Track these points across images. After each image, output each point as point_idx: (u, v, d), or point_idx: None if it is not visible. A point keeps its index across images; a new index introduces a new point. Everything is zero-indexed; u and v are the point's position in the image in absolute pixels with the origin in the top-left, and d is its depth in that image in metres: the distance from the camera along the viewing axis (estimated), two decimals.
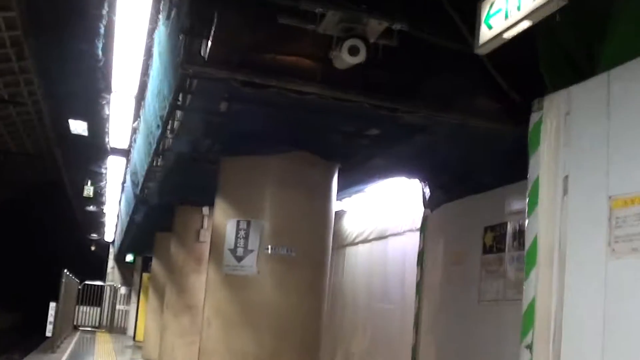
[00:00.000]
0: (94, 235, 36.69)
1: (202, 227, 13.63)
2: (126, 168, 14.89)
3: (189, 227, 13.97)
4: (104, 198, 21.25)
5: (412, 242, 10.09)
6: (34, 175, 31.34)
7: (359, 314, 11.95)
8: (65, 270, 20.31)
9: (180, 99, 6.56)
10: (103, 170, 16.83)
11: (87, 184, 20.22)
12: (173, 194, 12.53)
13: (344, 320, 12.28)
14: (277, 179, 7.67)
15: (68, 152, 17.05)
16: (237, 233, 7.53)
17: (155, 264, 20.87)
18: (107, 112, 11.21)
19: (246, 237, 7.48)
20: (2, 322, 46.70)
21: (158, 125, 7.81)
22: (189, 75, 5.68)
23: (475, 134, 6.67)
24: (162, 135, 8.01)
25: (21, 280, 50.36)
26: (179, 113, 7.15)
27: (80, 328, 32.37)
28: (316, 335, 7.82)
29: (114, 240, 32.51)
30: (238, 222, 7.56)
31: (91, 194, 20.61)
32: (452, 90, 5.92)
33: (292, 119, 7.01)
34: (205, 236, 13.45)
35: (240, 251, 7.49)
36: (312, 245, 7.77)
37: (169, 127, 7.64)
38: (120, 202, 20.00)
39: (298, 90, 5.52)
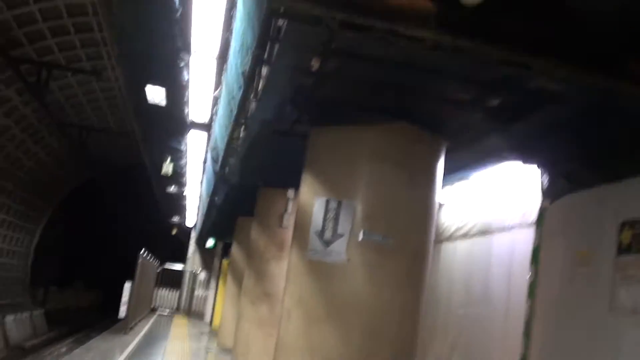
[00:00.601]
0: (176, 219, 36.31)
1: (286, 211, 12.63)
2: (207, 145, 14.01)
3: (272, 211, 12.98)
4: (184, 179, 20.47)
5: (521, 239, 8.91)
6: (116, 154, 31.12)
7: (453, 318, 10.78)
8: (142, 252, 19.66)
9: (266, 49, 5.54)
10: (183, 147, 15.97)
11: (166, 160, 19.42)
12: (255, 173, 11.59)
13: (436, 324, 11.13)
14: (374, 155, 6.58)
15: (146, 124, 16.34)
16: (325, 214, 6.47)
17: (235, 249, 20.00)
18: (186, 77, 10.29)
19: (336, 219, 6.42)
20: (83, 300, 47.35)
21: (240, 86, 6.82)
22: (278, 13, 4.64)
23: (620, 107, 5.48)
24: (245, 98, 7.01)
25: (103, 260, 50.86)
26: (264, 70, 6.14)
27: (159, 311, 32.03)
28: (412, 336, 6.72)
29: (195, 225, 32.05)
30: (327, 201, 6.50)
31: (170, 171, 19.75)
32: (600, 48, 4.74)
33: (396, 81, 5.92)
34: (289, 221, 12.48)
35: (328, 235, 6.43)
36: (411, 234, 6.65)
37: (252, 87, 6.63)
38: (201, 183, 19.24)
39: (409, 35, 4.43)
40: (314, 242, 6.52)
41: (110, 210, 48.13)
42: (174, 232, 39.69)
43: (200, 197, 21.63)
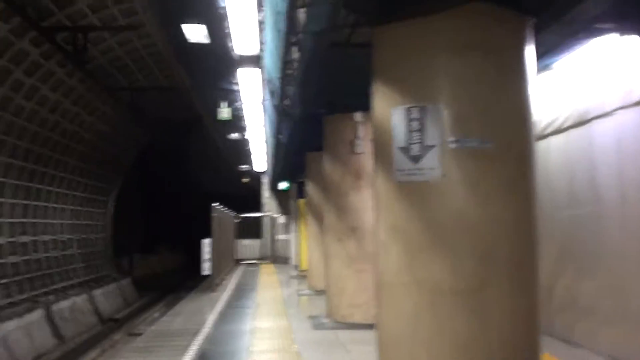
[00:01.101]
0: (244, 167, 35.64)
1: (356, 136, 11.69)
2: (261, 80, 13.02)
3: (341, 139, 12.03)
4: (243, 122, 19.40)
5: (627, 122, 7.84)
6: (171, 110, 30.46)
7: (557, 225, 9.75)
8: (215, 204, 18.99)
9: None
10: (235, 87, 14.88)
11: (220, 105, 18.31)
12: (317, 100, 10.64)
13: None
14: (452, 46, 5.51)
15: (192, 71, 15.42)
16: (408, 125, 5.48)
17: (309, 187, 19.11)
18: (222, 4, 9.30)
19: (421, 130, 5.43)
20: (168, 262, 47.57)
21: None
22: None
23: None
24: (292, 9, 6.03)
25: (181, 220, 50.86)
26: None
27: (243, 262, 31.70)
28: (530, 254, 5.72)
29: (265, 170, 31.41)
30: (408, 110, 5.50)
31: (227, 116, 18.60)
32: None
33: None
34: (362, 147, 11.57)
35: (415, 149, 5.45)
36: (511, 133, 5.60)
37: None
38: (264, 125, 18.36)
39: None
40: (400, 160, 5.57)
41: (178, 168, 47.72)
42: (245, 180, 39.10)
43: (265, 139, 20.78)
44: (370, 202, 11.86)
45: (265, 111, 15.91)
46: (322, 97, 10.42)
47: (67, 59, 17.86)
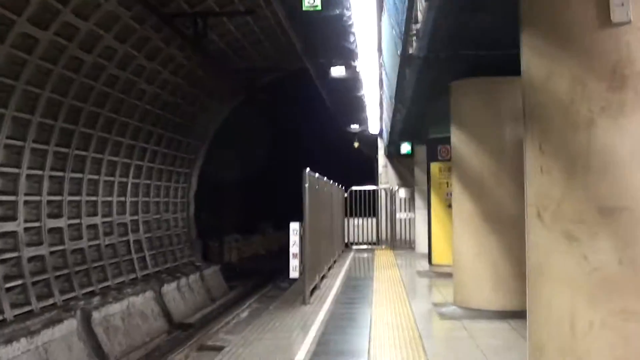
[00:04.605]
0: (354, 127, 29.03)
1: None
2: None
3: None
4: (350, 40, 12.24)
5: None
6: (258, 55, 24.63)
7: None
8: (308, 171, 12.41)
9: None
10: None
11: None
12: None
13: None
14: None
15: None
16: None
17: (457, 139, 11.39)
18: None
19: None
20: (271, 243, 41.68)
21: None
22: None
23: None
24: None
25: (287, 193, 44.75)
26: None
27: (354, 246, 25.21)
28: None
29: (381, 130, 24.90)
30: None
31: (315, 2, 10.74)
32: None
33: None
34: (628, 10, 4.67)
35: None
36: None
37: None
38: (380, 49, 11.65)
39: None
40: None
41: (280, 132, 41.35)
42: (356, 144, 32.45)
43: (382, 79, 14.00)
44: None
45: (383, 11, 9.27)
46: None
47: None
